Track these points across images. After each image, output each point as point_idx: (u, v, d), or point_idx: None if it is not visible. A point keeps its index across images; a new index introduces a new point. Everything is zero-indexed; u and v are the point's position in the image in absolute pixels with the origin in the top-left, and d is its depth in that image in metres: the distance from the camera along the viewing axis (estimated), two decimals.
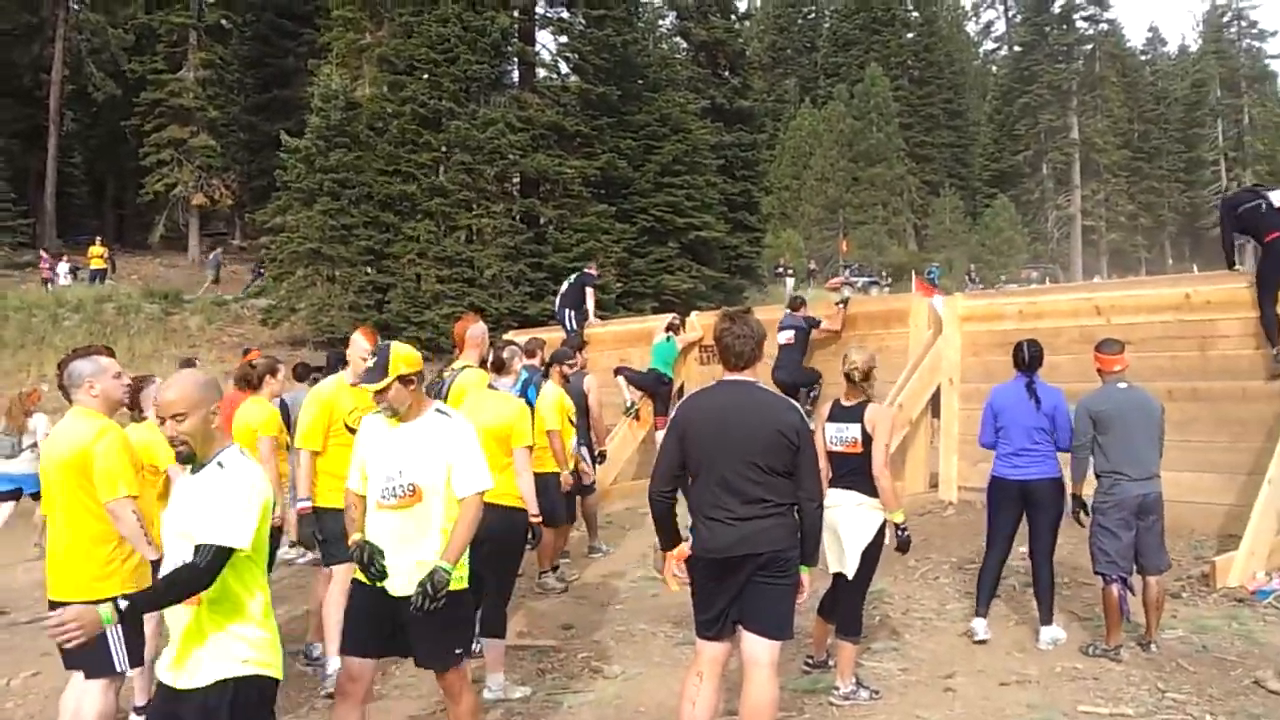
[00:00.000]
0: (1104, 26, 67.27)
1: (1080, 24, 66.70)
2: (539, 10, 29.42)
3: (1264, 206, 8.02)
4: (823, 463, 5.01)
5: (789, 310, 11.25)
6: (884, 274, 47.46)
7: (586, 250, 24.79)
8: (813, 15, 74.53)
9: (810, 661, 5.62)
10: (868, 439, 5.06)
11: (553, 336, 12.10)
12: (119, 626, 3.97)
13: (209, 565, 3.00)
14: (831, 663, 5.42)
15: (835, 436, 5.19)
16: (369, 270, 24.38)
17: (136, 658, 4.42)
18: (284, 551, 9.26)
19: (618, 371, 12.16)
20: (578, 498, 9.27)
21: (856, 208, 55.51)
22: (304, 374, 10.34)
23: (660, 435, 9.31)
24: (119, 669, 4.33)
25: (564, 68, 29.62)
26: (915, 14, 68.51)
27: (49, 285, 27.14)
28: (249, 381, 7.10)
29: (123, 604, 2.98)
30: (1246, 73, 69.61)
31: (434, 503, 4.02)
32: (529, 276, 25.07)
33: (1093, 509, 5.81)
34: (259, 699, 3.17)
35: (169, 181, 32.46)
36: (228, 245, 36.93)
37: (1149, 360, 8.11)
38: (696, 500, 4.02)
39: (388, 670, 5.69)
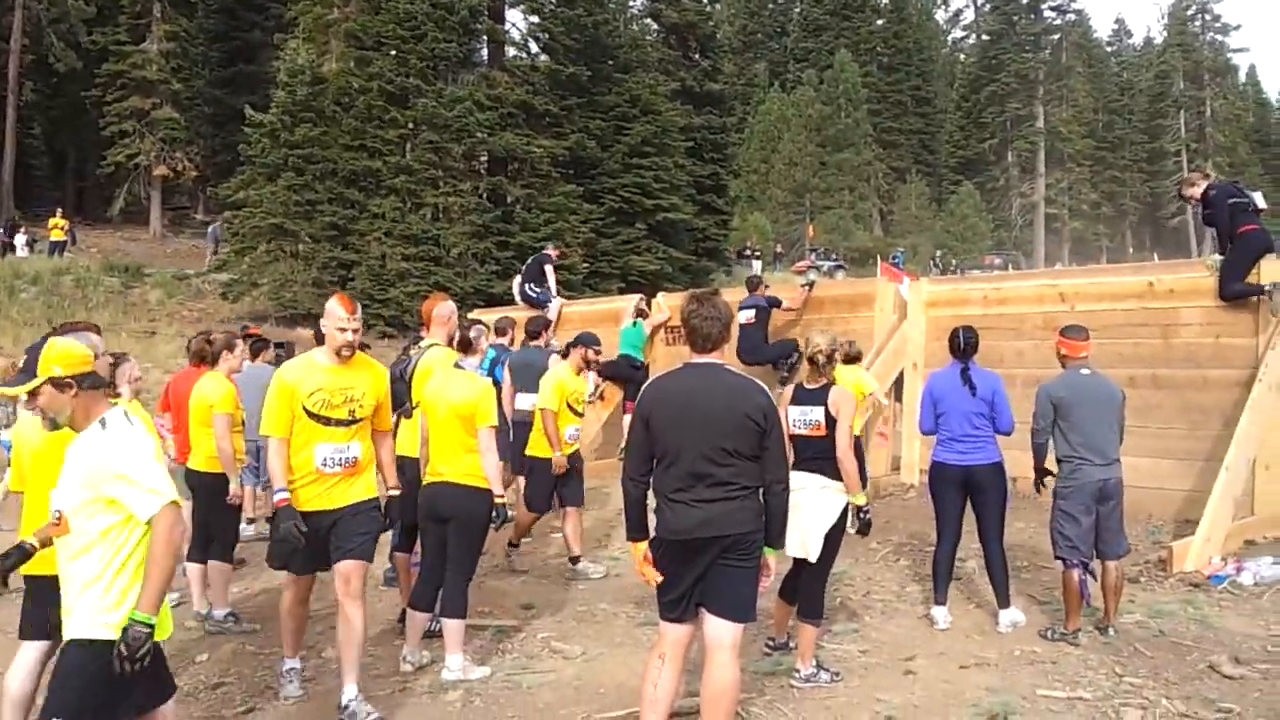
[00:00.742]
0: (1071, 17, 67.94)
1: (1048, 14, 67.27)
2: None
3: (1249, 205, 8.22)
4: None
5: (749, 291, 11.23)
6: (849, 258, 47.64)
7: (554, 230, 24.70)
8: (783, 0, 74.50)
9: (771, 643, 5.62)
10: (831, 422, 5.05)
11: (522, 315, 12.02)
12: None
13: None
14: (793, 645, 5.42)
15: (799, 419, 5.17)
16: (333, 247, 24.11)
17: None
18: (243, 528, 9.18)
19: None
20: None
21: (823, 192, 55.67)
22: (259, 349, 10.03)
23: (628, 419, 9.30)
24: None
25: (534, 47, 29.46)
26: (885, 1, 68.68)
27: (4, 254, 26.61)
28: (203, 357, 7.00)
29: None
30: (1209, 66, 70.39)
31: (84, 536, 3.26)
32: (495, 255, 24.94)
33: (1054, 493, 5.85)
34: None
35: (130, 152, 31.95)
36: (190, 219, 36.45)
37: (1112, 347, 8.20)
38: (662, 483, 3.98)
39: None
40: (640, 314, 12.24)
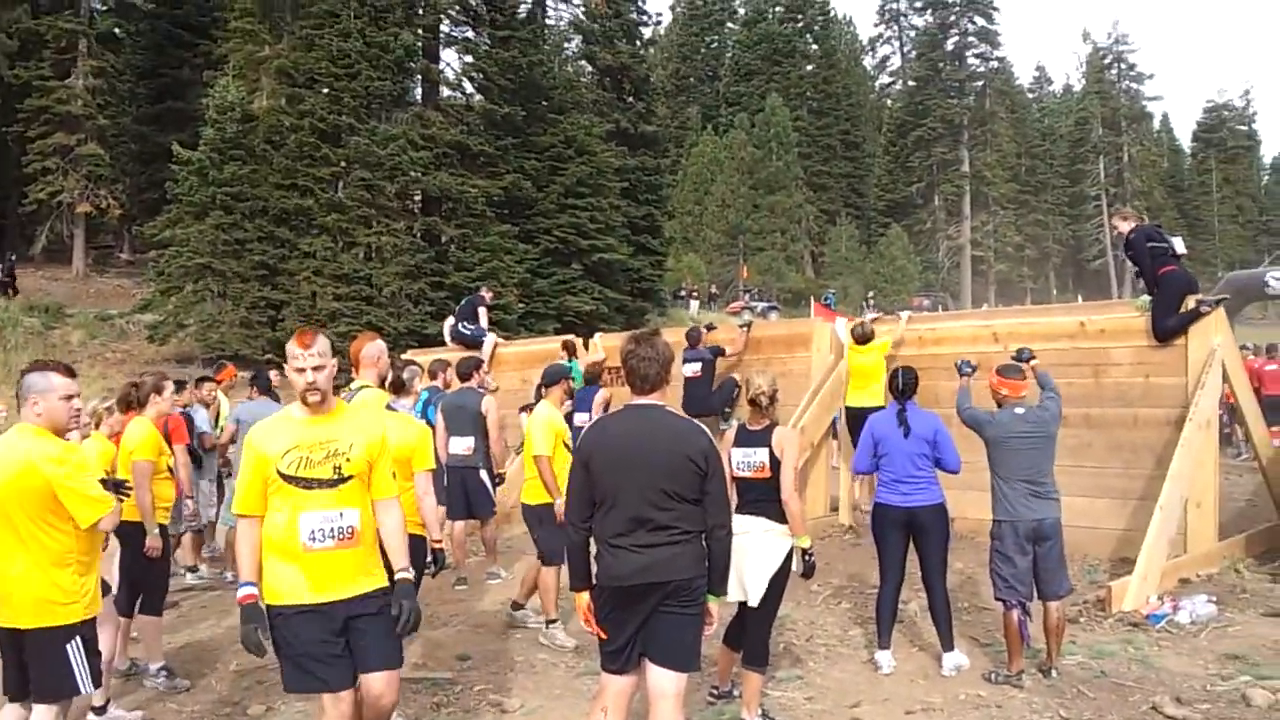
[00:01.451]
0: (994, 64, 69.86)
1: (972, 61, 69.11)
2: (443, 29, 29.23)
3: (1169, 250, 8.42)
4: (730, 489, 4.92)
5: (688, 345, 11.11)
6: (782, 299, 48.09)
7: (489, 269, 24.60)
8: (715, 45, 75.68)
9: (715, 692, 5.50)
10: (776, 463, 4.98)
11: (455, 357, 11.83)
12: (80, 649, 4.02)
13: None
14: (736, 693, 5.30)
15: (742, 462, 5.09)
16: (262, 286, 23.69)
17: (98, 678, 4.25)
18: (187, 577, 8.85)
19: (524, 409, 11.84)
20: (480, 522, 9.03)
21: (756, 234, 56.24)
22: (266, 386, 9.72)
23: None
24: (84, 691, 4.11)
25: (469, 87, 29.50)
26: (815, 47, 70.16)
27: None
28: (129, 403, 6.72)
29: None
30: (1126, 112, 72.80)
31: None
32: (429, 295, 24.73)
33: (990, 534, 5.86)
34: None
35: (53, 189, 31.15)
36: (115, 259, 35.57)
37: None
38: (602, 528, 3.87)
39: None
40: (570, 350, 12.09)
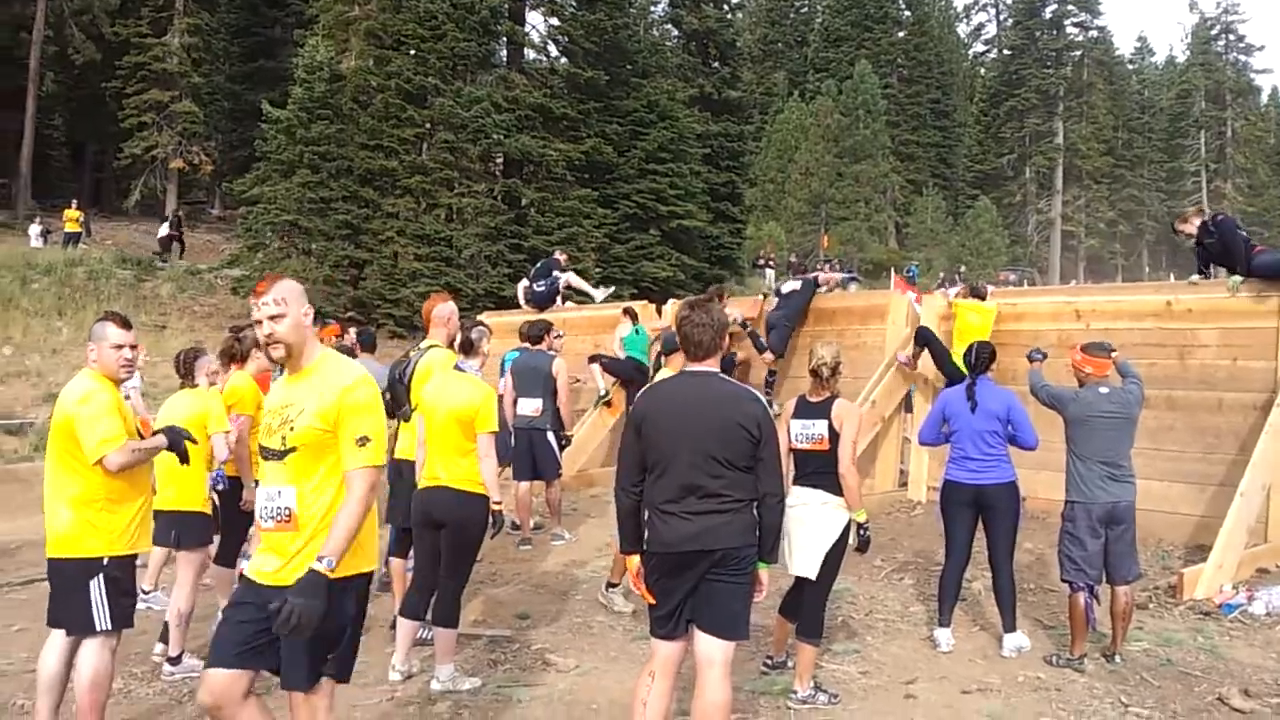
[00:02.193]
0: (1094, 34, 67.45)
1: (1070, 30, 66.84)
2: None
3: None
4: (786, 460, 4.88)
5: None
6: (863, 270, 47.43)
7: (567, 234, 24.65)
8: (805, 10, 74.39)
9: (769, 662, 5.50)
10: (834, 436, 4.93)
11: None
12: (103, 586, 4.13)
13: None
14: (791, 664, 5.29)
15: (801, 434, 5.04)
16: (346, 245, 24.07)
17: (125, 619, 4.33)
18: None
19: (593, 359, 11.91)
20: (545, 483, 9.12)
21: (839, 203, 55.38)
22: (370, 343, 9.74)
23: None
24: (100, 629, 4.21)
25: (553, 50, 29.42)
26: (907, 13, 68.51)
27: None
28: (232, 356, 6.90)
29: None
30: (1232, 86, 69.88)
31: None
32: (508, 258, 24.86)
33: (1061, 516, 5.73)
34: None
35: (148, 145, 31.96)
36: (205, 214, 36.45)
37: None
38: (652, 494, 3.86)
39: None
40: (630, 314, 12.03)
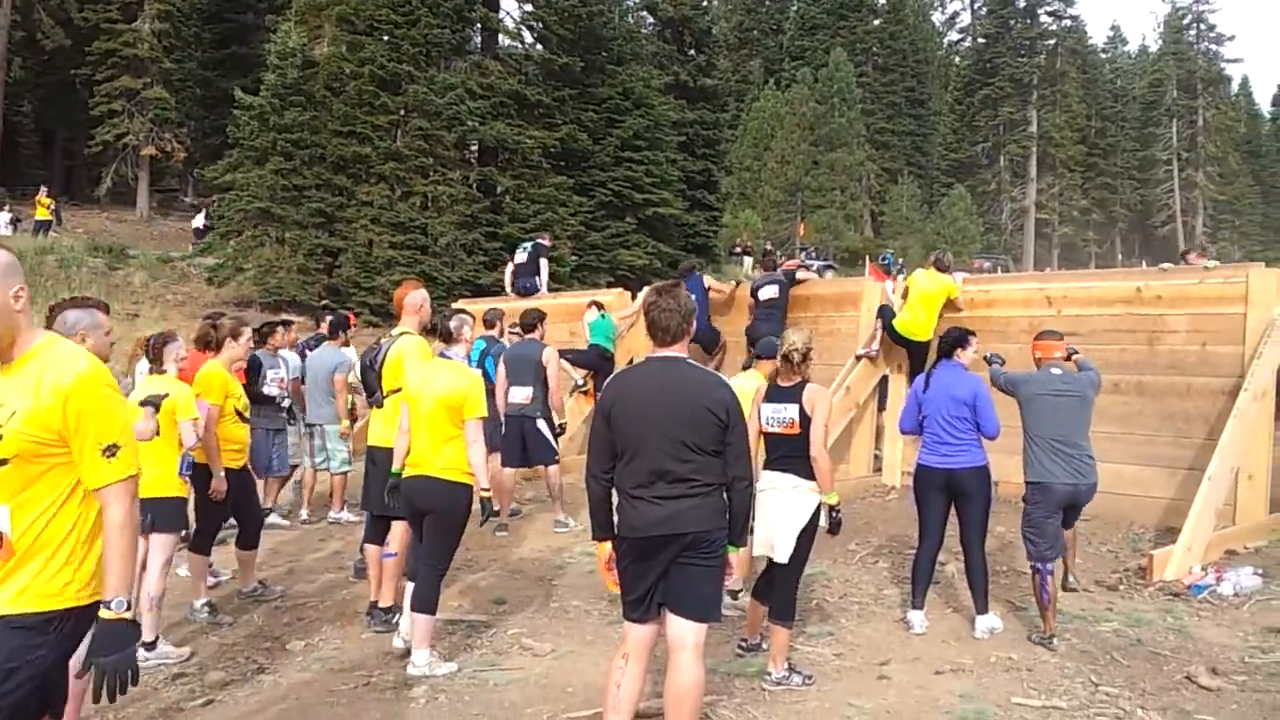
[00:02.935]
0: (1067, 23, 67.85)
1: (1044, 19, 67.22)
2: None
3: None
4: (756, 443, 4.92)
5: (761, 270, 11.55)
6: (839, 258, 47.55)
7: (543, 222, 24.58)
8: None
9: (744, 644, 5.53)
10: (806, 420, 4.96)
11: (512, 307, 11.92)
12: None
13: None
14: (765, 646, 5.33)
15: (772, 417, 5.07)
16: (319, 233, 23.92)
17: None
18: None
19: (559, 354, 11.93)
20: (544, 469, 9.15)
21: (815, 191, 55.49)
22: (341, 328, 10.02)
23: None
24: None
25: (528, 36, 29.27)
26: (882, 1, 68.60)
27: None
28: (206, 342, 6.88)
29: None
30: (1203, 75, 70.43)
31: None
32: (483, 246, 24.79)
33: (1023, 499, 5.95)
34: None
35: (119, 132, 31.62)
36: (178, 202, 36.14)
37: (1097, 352, 8.08)
38: (622, 479, 3.88)
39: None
40: (597, 304, 12.07)
